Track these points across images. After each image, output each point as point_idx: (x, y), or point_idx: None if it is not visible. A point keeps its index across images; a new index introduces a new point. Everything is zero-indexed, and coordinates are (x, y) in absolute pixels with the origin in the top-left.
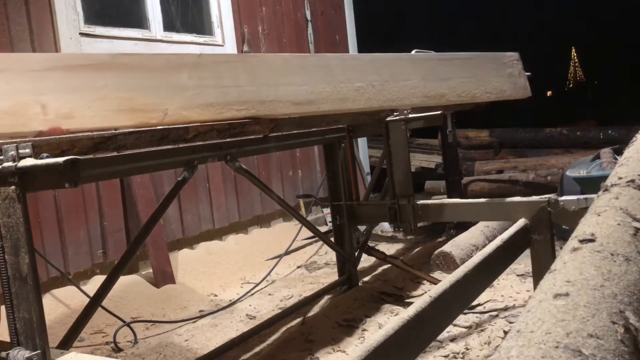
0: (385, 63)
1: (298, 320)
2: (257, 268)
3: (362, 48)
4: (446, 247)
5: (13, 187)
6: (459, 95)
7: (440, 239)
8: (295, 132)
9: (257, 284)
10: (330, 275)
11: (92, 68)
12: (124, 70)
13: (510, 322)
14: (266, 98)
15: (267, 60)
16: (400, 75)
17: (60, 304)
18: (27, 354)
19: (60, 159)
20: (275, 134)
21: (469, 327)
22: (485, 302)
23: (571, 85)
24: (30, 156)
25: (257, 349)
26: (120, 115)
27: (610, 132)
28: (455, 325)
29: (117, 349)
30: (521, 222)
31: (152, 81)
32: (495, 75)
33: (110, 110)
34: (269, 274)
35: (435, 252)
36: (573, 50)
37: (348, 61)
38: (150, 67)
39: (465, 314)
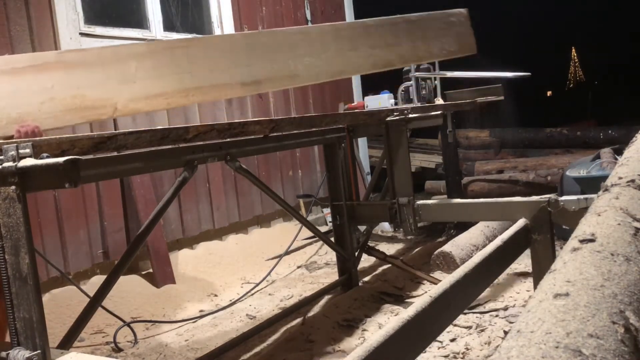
0: (332, 35)
1: (298, 320)
2: (257, 268)
3: None
4: (446, 247)
5: (13, 187)
6: (406, 60)
7: (440, 239)
8: (295, 132)
9: (257, 284)
10: (330, 275)
11: (38, 69)
12: (71, 68)
13: (510, 322)
14: (217, 82)
15: (213, 42)
16: (349, 46)
17: (60, 304)
18: (27, 354)
19: (60, 159)
20: (275, 134)
21: (469, 327)
22: (485, 302)
23: (571, 85)
24: (30, 156)
25: (257, 349)
26: (70, 115)
27: (610, 132)
28: (455, 325)
29: (117, 349)
30: (521, 222)
31: (100, 76)
32: (443, 35)
33: (60, 110)
34: (269, 273)
35: (435, 252)
36: (573, 50)
37: (292, 36)
38: (97, 62)
39: (465, 314)
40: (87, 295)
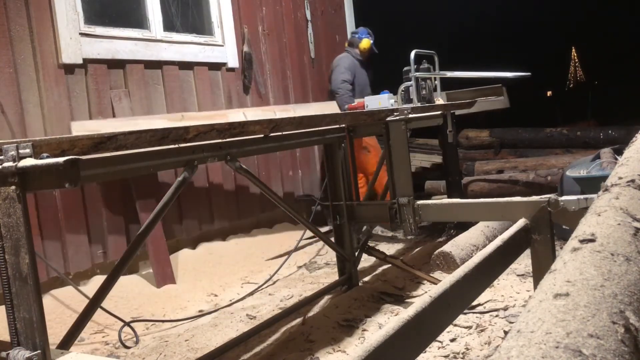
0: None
1: (298, 320)
2: (257, 268)
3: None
4: (446, 247)
5: (13, 187)
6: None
7: (440, 239)
8: (295, 132)
9: (261, 285)
10: (330, 275)
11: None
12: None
13: (510, 322)
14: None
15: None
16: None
17: (60, 304)
18: (27, 354)
19: (60, 159)
20: (275, 134)
21: (469, 327)
22: (485, 302)
23: (571, 85)
24: (30, 156)
25: (257, 349)
26: None
27: (610, 132)
28: (455, 325)
29: (125, 347)
30: (521, 222)
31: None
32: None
33: None
34: (274, 274)
35: (435, 252)
36: (573, 50)
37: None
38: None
39: (465, 314)
40: (86, 297)
